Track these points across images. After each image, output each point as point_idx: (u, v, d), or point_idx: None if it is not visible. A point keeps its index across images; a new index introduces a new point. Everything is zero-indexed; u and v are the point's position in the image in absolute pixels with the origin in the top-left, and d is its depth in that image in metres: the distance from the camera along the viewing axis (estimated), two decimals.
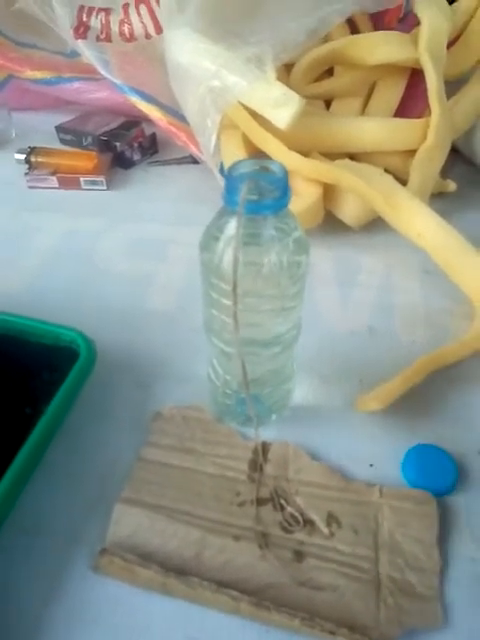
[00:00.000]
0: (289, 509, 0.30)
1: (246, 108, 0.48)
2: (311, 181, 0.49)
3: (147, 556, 0.28)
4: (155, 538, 0.29)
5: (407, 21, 0.59)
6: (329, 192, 0.49)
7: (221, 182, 0.52)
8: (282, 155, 0.48)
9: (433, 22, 0.53)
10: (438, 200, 0.52)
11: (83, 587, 0.28)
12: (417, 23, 0.54)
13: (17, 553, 0.29)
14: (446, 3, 0.56)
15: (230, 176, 0.24)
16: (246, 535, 0.29)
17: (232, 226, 0.25)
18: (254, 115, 0.48)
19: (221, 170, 0.51)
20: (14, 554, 0.29)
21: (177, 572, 0.27)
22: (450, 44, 0.55)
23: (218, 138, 0.47)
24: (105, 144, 0.63)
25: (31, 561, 0.29)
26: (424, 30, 0.52)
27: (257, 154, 0.51)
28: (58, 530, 0.30)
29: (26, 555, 0.29)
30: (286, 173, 0.24)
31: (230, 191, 0.24)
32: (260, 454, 0.32)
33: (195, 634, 0.26)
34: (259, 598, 0.26)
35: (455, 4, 0.58)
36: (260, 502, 0.30)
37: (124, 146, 0.62)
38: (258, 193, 0.24)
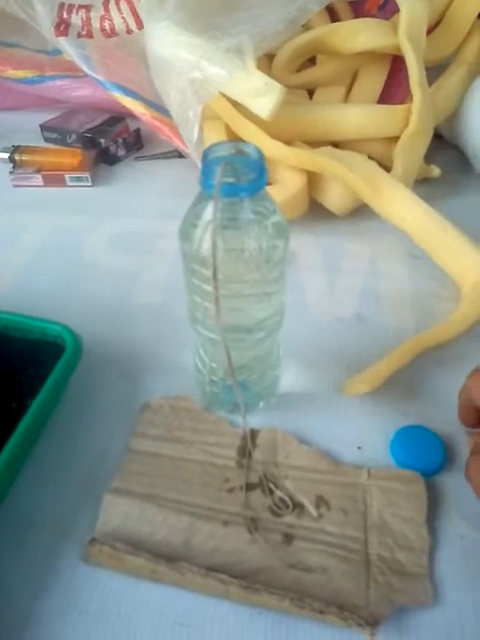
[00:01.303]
0: (278, 493, 0.30)
1: (228, 99, 0.48)
2: (295, 170, 0.49)
3: (137, 544, 0.28)
4: (145, 526, 0.29)
5: (387, 8, 0.59)
6: (314, 180, 0.49)
7: None
8: (265, 144, 0.47)
9: (412, 9, 0.53)
10: (423, 186, 0.52)
11: (74, 578, 0.28)
12: (397, 10, 0.54)
13: (8, 546, 0.29)
14: None
15: (206, 160, 0.24)
16: (235, 520, 0.29)
17: (209, 211, 0.25)
18: (236, 105, 0.48)
19: None
20: (5, 547, 0.29)
21: (167, 559, 0.27)
22: (430, 30, 0.55)
23: (201, 130, 0.47)
24: (89, 141, 0.63)
25: (22, 554, 0.29)
26: (403, 17, 0.52)
27: None
28: (48, 523, 0.30)
29: (17, 548, 0.29)
30: (262, 155, 0.24)
31: (206, 175, 0.24)
32: (249, 440, 0.32)
33: (186, 620, 0.26)
34: (249, 581, 0.26)
35: None
36: (249, 487, 0.31)
37: (109, 142, 0.62)
38: (234, 176, 0.24)
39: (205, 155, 0.24)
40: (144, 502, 0.30)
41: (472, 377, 0.29)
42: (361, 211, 0.50)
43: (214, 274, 0.24)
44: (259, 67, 0.45)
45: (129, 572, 0.28)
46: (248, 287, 0.28)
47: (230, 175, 0.23)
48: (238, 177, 0.23)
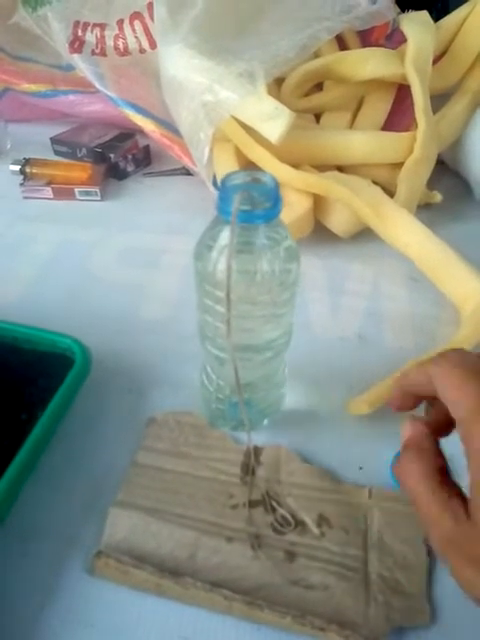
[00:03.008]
0: (281, 511, 0.31)
1: (238, 122, 0.49)
2: (302, 192, 0.50)
3: (142, 558, 0.29)
4: (150, 540, 0.29)
5: (394, 38, 0.60)
6: (319, 203, 0.51)
7: (213, 193, 0.53)
8: (273, 167, 0.49)
9: (419, 39, 0.54)
10: (424, 211, 0.54)
11: (79, 590, 0.28)
12: (403, 40, 0.56)
13: (14, 558, 0.30)
14: (431, 21, 0.58)
15: (223, 187, 0.25)
16: (239, 536, 0.30)
17: (225, 235, 0.26)
18: (246, 128, 0.49)
19: (214, 181, 0.52)
20: (11, 559, 0.30)
21: (172, 573, 0.28)
22: (435, 60, 0.56)
23: (211, 150, 0.49)
24: (99, 155, 0.64)
25: (28, 565, 0.29)
26: (410, 47, 0.54)
27: (249, 166, 0.52)
28: (54, 534, 0.31)
29: (23, 560, 0.30)
30: (277, 184, 0.25)
31: (223, 201, 0.25)
32: (252, 457, 0.33)
33: (189, 634, 0.27)
34: (252, 597, 0.27)
35: (439, 22, 0.60)
36: (252, 504, 0.31)
37: (118, 158, 0.63)
38: (250, 203, 0.25)
39: (223, 183, 0.25)
40: (149, 516, 0.30)
41: (438, 364, 0.23)
42: (364, 234, 0.51)
43: (227, 296, 0.25)
44: (268, 90, 0.47)
45: (134, 585, 0.28)
46: (259, 308, 0.29)
47: (247, 203, 0.24)
48: (254, 205, 0.24)
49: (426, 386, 0.23)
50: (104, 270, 0.51)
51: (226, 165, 0.52)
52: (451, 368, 0.22)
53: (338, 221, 0.51)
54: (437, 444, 0.24)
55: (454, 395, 0.22)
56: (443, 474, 0.22)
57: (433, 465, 0.22)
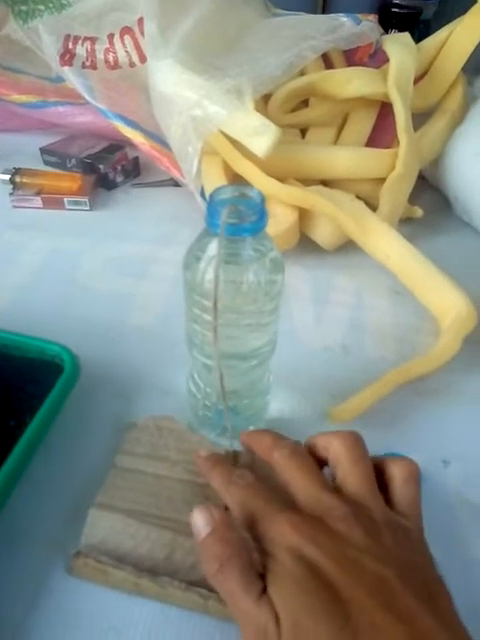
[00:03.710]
0: None
1: (226, 136, 0.50)
2: (287, 206, 0.51)
3: (120, 558, 0.29)
4: (128, 541, 0.30)
5: (377, 57, 0.62)
6: (304, 216, 0.52)
7: (201, 204, 0.54)
8: (260, 181, 0.50)
9: (401, 60, 0.57)
10: (406, 225, 0.55)
11: (66, 592, 0.29)
12: (386, 60, 0.58)
13: (1, 560, 0.30)
14: (412, 42, 0.60)
15: (212, 201, 0.26)
16: None
17: (213, 246, 0.27)
18: (234, 143, 0.50)
19: (202, 193, 0.54)
20: None
21: (149, 573, 0.28)
22: (416, 80, 0.58)
23: (199, 164, 0.50)
24: (89, 166, 0.65)
25: (15, 568, 0.30)
26: (392, 67, 0.56)
27: (236, 179, 0.54)
28: (41, 537, 0.31)
29: (10, 562, 0.30)
30: (263, 199, 0.26)
31: (212, 215, 0.26)
32: (231, 460, 0.34)
33: (174, 635, 0.27)
34: None
35: (421, 43, 0.62)
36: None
37: (107, 168, 0.64)
38: (238, 217, 0.26)
39: (211, 197, 0.26)
40: (128, 517, 0.31)
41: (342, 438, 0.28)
42: (348, 246, 0.53)
43: (214, 306, 0.26)
44: (256, 106, 0.48)
45: (113, 585, 0.29)
46: (245, 317, 0.29)
47: (234, 216, 0.25)
48: (241, 218, 0.26)
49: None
50: (93, 279, 0.51)
51: (214, 178, 0.53)
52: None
53: (322, 234, 0.52)
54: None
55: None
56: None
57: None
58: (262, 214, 0.26)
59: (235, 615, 0.23)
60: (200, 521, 0.26)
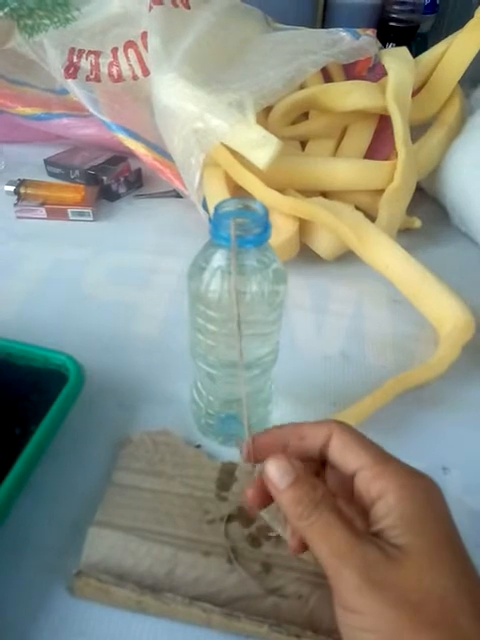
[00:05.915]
0: (256, 524, 0.31)
1: (228, 148, 0.51)
2: (288, 216, 0.52)
3: (122, 576, 0.29)
4: (129, 558, 0.30)
5: (376, 71, 0.64)
6: (305, 227, 0.53)
7: (203, 216, 0.55)
8: (261, 192, 0.51)
9: (399, 73, 0.58)
10: (405, 236, 0.56)
11: (70, 602, 0.29)
12: (385, 73, 0.59)
13: (6, 570, 0.30)
14: (410, 56, 0.61)
15: (217, 214, 0.27)
16: (216, 551, 0.30)
17: (217, 257, 0.28)
18: (235, 155, 0.51)
19: (204, 204, 0.54)
20: (3, 571, 0.30)
21: (151, 590, 0.28)
22: (414, 93, 0.59)
23: (201, 175, 0.51)
24: (92, 177, 0.66)
25: (19, 578, 0.30)
26: (391, 80, 0.57)
27: (238, 191, 0.54)
28: (45, 547, 0.31)
29: (12, 574, 0.30)
30: (267, 211, 0.27)
31: (216, 227, 0.26)
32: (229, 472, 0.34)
33: None
34: (230, 609, 0.28)
35: (418, 57, 0.63)
36: (228, 519, 0.32)
37: (110, 180, 0.65)
38: (242, 229, 0.26)
39: (216, 210, 0.27)
40: (127, 534, 0.30)
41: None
42: (348, 257, 0.53)
43: (238, 322, 0.26)
44: (257, 119, 0.49)
45: (115, 603, 0.28)
46: (248, 327, 0.30)
47: (238, 228, 0.26)
48: (245, 231, 0.26)
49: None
50: (96, 289, 0.52)
51: (216, 189, 0.54)
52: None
53: (322, 244, 0.53)
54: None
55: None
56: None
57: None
58: (266, 226, 0.27)
59: (329, 560, 0.22)
60: (276, 472, 0.24)
